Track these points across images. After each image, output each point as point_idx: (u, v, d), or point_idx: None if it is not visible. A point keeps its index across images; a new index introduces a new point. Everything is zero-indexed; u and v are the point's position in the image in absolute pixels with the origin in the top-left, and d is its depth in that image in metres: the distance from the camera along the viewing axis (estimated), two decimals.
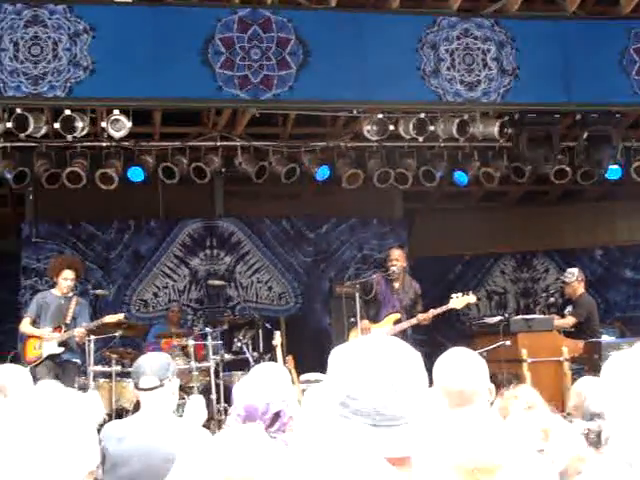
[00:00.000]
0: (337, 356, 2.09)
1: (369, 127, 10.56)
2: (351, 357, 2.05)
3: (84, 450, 2.33)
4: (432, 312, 10.27)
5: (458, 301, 10.25)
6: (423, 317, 10.27)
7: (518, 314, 12.41)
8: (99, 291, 11.75)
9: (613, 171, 12.37)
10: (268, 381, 3.99)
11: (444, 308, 10.28)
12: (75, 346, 9.93)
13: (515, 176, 12.62)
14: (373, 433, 1.96)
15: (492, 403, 4.15)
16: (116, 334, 10.40)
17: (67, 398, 2.48)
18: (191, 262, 13.78)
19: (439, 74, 9.79)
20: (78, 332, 9.71)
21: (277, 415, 3.81)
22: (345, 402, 1.99)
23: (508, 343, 9.85)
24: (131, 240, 13.59)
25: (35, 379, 6.33)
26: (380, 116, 10.50)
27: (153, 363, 4.90)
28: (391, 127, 10.61)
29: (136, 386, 4.85)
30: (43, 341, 9.82)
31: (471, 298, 10.36)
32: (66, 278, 10.04)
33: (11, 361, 10.40)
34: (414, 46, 9.78)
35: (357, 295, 10.16)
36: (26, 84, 8.93)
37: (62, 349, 9.77)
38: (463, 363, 3.96)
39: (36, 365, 9.52)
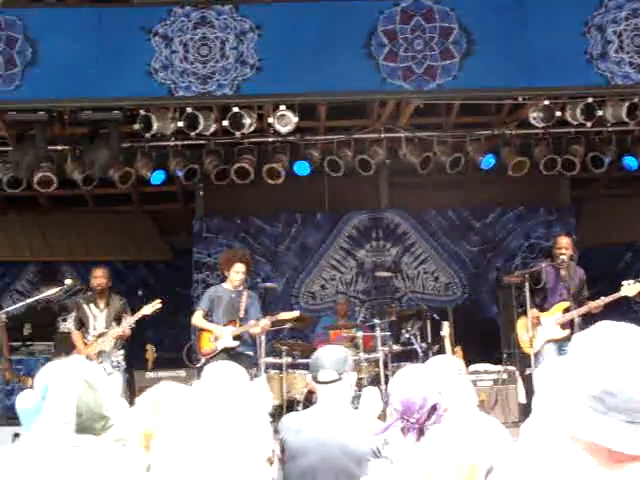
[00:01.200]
0: (583, 344, 1.99)
1: (535, 114, 10.39)
2: (605, 348, 1.95)
3: (261, 436, 2.38)
4: (603, 300, 9.99)
5: (630, 288, 9.92)
6: (594, 305, 10.00)
7: None
8: (268, 284, 11.92)
9: None
10: (423, 374, 3.98)
11: (616, 296, 9.94)
12: (248, 338, 10.14)
13: None
14: (629, 430, 1.88)
15: None
16: (285, 326, 10.59)
17: (241, 385, 2.54)
18: (357, 254, 13.87)
19: (607, 57, 9.53)
20: (263, 325, 9.87)
21: (434, 408, 3.81)
22: (600, 397, 1.90)
23: None
24: (298, 233, 13.79)
25: None
26: (546, 102, 10.32)
27: (332, 356, 4.94)
28: (557, 113, 10.43)
29: (315, 379, 4.89)
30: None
31: None
32: (238, 272, 10.21)
33: (187, 353, 10.81)
34: (580, 30, 9.55)
35: (527, 285, 10.02)
36: (195, 84, 9.17)
37: (237, 342, 9.96)
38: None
39: (211, 357, 9.73)
